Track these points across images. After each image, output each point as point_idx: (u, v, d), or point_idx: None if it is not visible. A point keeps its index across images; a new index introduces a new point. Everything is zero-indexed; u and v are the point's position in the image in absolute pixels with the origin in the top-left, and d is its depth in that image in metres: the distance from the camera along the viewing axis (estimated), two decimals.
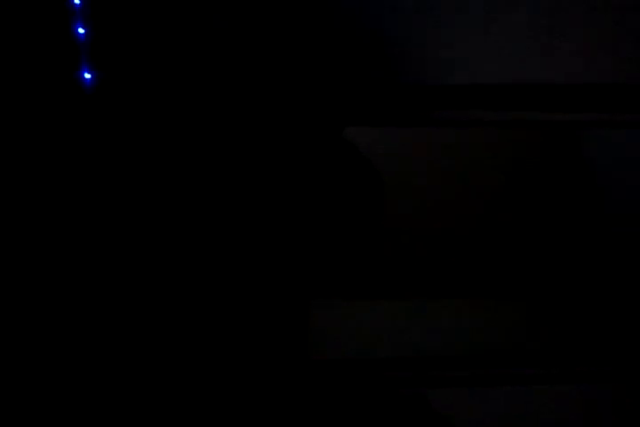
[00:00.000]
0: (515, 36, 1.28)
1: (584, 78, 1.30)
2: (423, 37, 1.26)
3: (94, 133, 1.16)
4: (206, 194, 1.21)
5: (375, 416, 1.27)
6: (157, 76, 1.18)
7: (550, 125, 1.34)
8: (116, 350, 1.21)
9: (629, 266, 1.55)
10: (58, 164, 1.16)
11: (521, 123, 1.34)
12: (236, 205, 1.22)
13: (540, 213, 1.54)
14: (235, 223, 1.22)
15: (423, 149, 1.51)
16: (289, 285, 1.26)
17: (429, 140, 1.50)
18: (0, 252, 1.18)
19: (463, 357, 1.43)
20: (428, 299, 1.52)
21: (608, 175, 1.56)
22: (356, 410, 1.29)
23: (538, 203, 1.54)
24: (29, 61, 1.12)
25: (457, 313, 1.50)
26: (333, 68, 1.22)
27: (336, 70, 1.22)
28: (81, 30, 1.13)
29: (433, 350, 1.46)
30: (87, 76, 1.14)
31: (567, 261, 1.56)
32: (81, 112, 1.15)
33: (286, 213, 1.23)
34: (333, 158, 1.28)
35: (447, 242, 1.52)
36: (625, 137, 1.51)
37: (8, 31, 1.10)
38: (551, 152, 1.55)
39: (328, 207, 1.28)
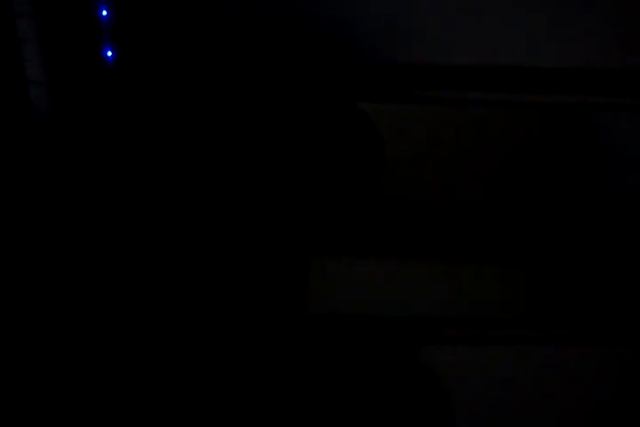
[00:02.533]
0: (510, 20, 1.32)
1: (573, 62, 1.34)
2: (418, 18, 1.32)
3: (114, 105, 1.31)
4: (210, 152, 1.31)
5: (366, 369, 1.34)
6: (173, 55, 1.31)
7: (543, 107, 1.39)
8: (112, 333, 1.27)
9: (630, 237, 1.57)
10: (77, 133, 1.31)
11: (515, 104, 1.39)
12: (238, 162, 1.30)
13: (542, 182, 1.57)
14: (237, 181, 1.31)
15: (438, 128, 1.56)
16: (290, 241, 1.34)
17: (442, 119, 1.55)
18: (0, 251, 1.27)
19: (456, 317, 1.51)
20: (430, 260, 1.57)
21: (607, 149, 1.58)
22: (350, 363, 1.36)
23: (540, 173, 1.57)
24: (58, 41, 1.27)
25: (455, 275, 1.56)
26: (329, 49, 1.31)
27: (332, 52, 1.31)
28: (104, 13, 1.27)
29: (427, 309, 1.54)
30: (109, 53, 1.29)
31: (567, 229, 1.58)
32: (103, 86, 1.30)
33: (287, 171, 1.31)
34: (337, 120, 1.34)
35: (453, 209, 1.57)
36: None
37: (40, 13, 1.25)
38: (552, 126, 1.57)
39: (327, 165, 1.32)
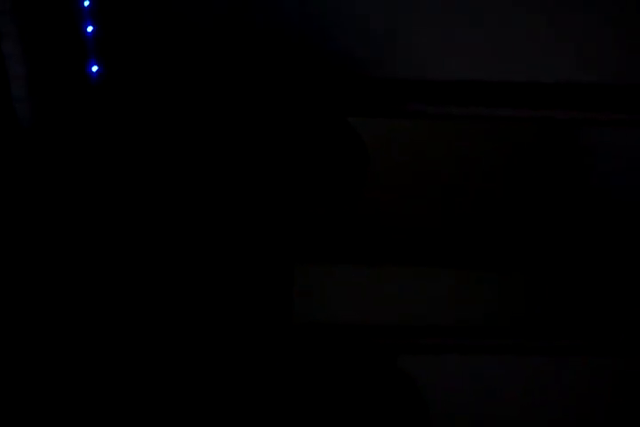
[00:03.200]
0: (504, 36, 1.38)
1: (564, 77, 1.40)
2: (407, 33, 1.36)
3: (99, 120, 1.30)
4: (195, 163, 1.32)
5: (346, 378, 1.35)
6: (159, 70, 1.32)
7: (535, 122, 1.44)
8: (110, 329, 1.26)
9: (627, 245, 1.61)
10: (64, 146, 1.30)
11: (504, 119, 1.43)
12: (223, 172, 1.31)
13: (538, 188, 1.61)
14: (221, 190, 1.31)
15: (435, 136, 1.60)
16: (274, 249, 1.34)
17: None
18: (0, 251, 1.25)
19: (442, 326, 1.52)
20: (417, 267, 1.59)
21: (597, 157, 1.63)
22: (332, 373, 1.37)
23: (536, 179, 1.61)
24: (44, 56, 1.26)
25: (442, 282, 1.58)
26: (321, 63, 1.35)
27: (324, 66, 1.35)
28: (89, 28, 1.28)
29: (413, 318, 1.55)
30: (94, 69, 1.29)
31: (564, 237, 1.62)
32: (88, 101, 1.29)
33: (271, 179, 1.33)
34: (323, 132, 1.36)
35: (447, 214, 1.60)
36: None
37: (24, 29, 1.25)
38: (542, 138, 1.62)
39: (310, 175, 1.34)
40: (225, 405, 1.27)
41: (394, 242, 1.60)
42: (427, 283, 1.58)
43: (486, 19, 1.37)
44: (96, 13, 1.27)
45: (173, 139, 1.32)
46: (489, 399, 1.56)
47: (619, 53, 1.38)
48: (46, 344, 1.24)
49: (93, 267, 1.28)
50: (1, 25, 1.23)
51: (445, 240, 1.61)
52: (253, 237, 1.34)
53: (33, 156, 1.28)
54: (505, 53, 1.37)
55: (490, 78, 1.38)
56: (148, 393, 1.25)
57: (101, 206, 1.30)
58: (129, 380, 1.25)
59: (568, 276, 1.63)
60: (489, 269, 1.61)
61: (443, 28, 1.35)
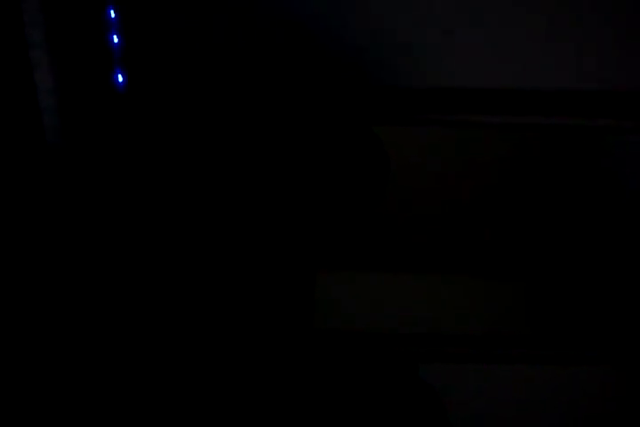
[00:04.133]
0: (510, 42, 1.40)
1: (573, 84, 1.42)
2: (419, 41, 1.39)
3: (125, 129, 1.34)
4: (216, 167, 1.34)
5: (366, 385, 1.36)
6: (181, 79, 1.35)
7: (540, 130, 1.46)
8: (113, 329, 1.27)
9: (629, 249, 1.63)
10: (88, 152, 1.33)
11: (518, 126, 1.45)
12: (243, 178, 1.34)
13: (541, 195, 1.62)
14: (242, 196, 1.34)
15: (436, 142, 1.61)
16: (296, 256, 1.37)
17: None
18: (1, 251, 1.28)
19: (460, 335, 1.54)
20: (436, 275, 1.60)
21: (609, 167, 1.64)
22: (352, 380, 1.38)
23: (539, 185, 1.62)
24: (71, 66, 1.30)
25: (458, 290, 1.59)
26: (329, 70, 1.38)
27: (331, 73, 1.38)
28: (115, 39, 1.31)
29: (434, 326, 1.56)
30: (120, 79, 1.32)
31: (568, 244, 1.63)
32: (113, 109, 1.33)
33: (293, 186, 1.35)
34: (344, 138, 1.39)
35: (453, 221, 1.61)
36: None
37: (52, 40, 1.28)
38: (554, 146, 1.64)
39: (333, 181, 1.35)
40: (241, 410, 1.28)
41: (407, 248, 1.62)
42: (446, 292, 1.60)
43: (503, 31, 1.39)
44: (122, 25, 1.31)
45: (197, 147, 1.35)
46: (502, 408, 1.58)
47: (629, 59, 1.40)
48: (46, 344, 1.25)
49: (107, 269, 1.30)
50: (31, 36, 1.27)
51: (460, 247, 1.63)
52: (275, 242, 1.36)
53: (60, 167, 1.31)
54: (518, 61, 1.39)
55: (503, 86, 1.40)
56: (158, 398, 1.26)
57: (125, 212, 1.33)
58: (132, 385, 1.26)
59: (582, 284, 1.64)
60: (504, 277, 1.62)
61: (456, 36, 1.38)
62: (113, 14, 1.29)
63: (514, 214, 1.62)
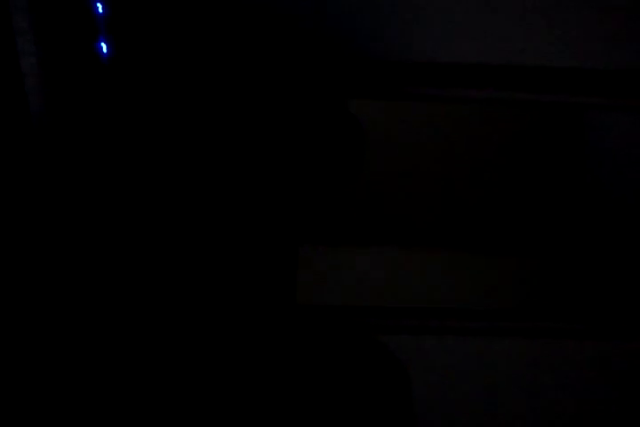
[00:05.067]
0: (501, 18, 1.39)
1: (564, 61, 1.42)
2: (414, 15, 1.38)
3: (109, 100, 1.32)
4: (199, 144, 1.33)
5: (340, 360, 1.35)
6: (168, 51, 1.34)
7: (532, 106, 1.46)
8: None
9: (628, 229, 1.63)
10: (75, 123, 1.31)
11: (510, 102, 1.45)
12: (224, 155, 1.33)
13: (537, 176, 1.63)
14: (222, 173, 1.34)
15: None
16: (278, 231, 1.36)
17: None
18: (1, 251, 1.27)
19: (442, 308, 1.53)
20: (421, 249, 1.61)
21: (597, 145, 1.65)
22: (330, 354, 1.37)
23: (535, 167, 1.62)
24: (54, 35, 1.28)
25: (446, 265, 1.60)
26: (322, 45, 1.37)
27: (325, 48, 1.37)
28: (100, 8, 1.30)
29: (417, 300, 1.56)
30: (104, 48, 1.31)
31: (560, 223, 1.64)
32: (98, 81, 1.31)
33: (272, 161, 1.35)
34: (320, 111, 1.38)
35: (448, 202, 1.61)
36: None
37: (39, 7, 1.27)
38: (546, 123, 1.64)
39: (311, 154, 1.35)
40: (227, 388, 1.27)
41: (395, 225, 1.62)
42: (430, 265, 1.60)
43: (498, 8, 1.39)
44: None
45: (178, 116, 1.34)
46: (494, 381, 1.57)
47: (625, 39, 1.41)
48: (46, 344, 1.25)
49: (96, 262, 1.29)
50: (14, 3, 1.25)
51: (449, 223, 1.62)
52: (255, 218, 1.36)
53: (42, 137, 1.30)
54: (512, 36, 1.39)
55: (495, 61, 1.40)
56: (152, 374, 1.26)
57: (109, 193, 1.31)
58: (130, 366, 1.25)
59: (567, 261, 1.65)
60: (489, 253, 1.63)
61: (448, 11, 1.37)
62: None
63: (505, 189, 1.62)
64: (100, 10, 1.30)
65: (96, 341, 1.25)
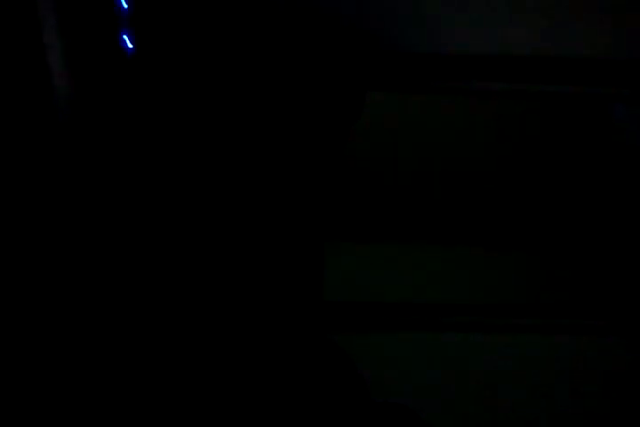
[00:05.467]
0: (518, 8, 1.37)
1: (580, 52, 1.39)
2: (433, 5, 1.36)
3: (132, 95, 1.34)
4: (218, 144, 1.35)
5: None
6: (191, 43, 1.35)
7: (549, 97, 1.44)
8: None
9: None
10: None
11: (531, 94, 1.43)
12: (249, 154, 1.35)
13: (549, 169, 1.61)
14: (248, 172, 1.35)
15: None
16: (305, 227, 1.36)
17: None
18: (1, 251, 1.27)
19: (464, 304, 1.53)
20: (445, 246, 1.61)
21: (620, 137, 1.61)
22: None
23: (541, 152, 1.61)
24: (79, 30, 1.31)
25: (469, 260, 1.59)
26: (342, 36, 1.36)
27: (345, 39, 1.36)
28: (124, 3, 1.32)
29: (443, 296, 1.56)
30: (128, 43, 1.33)
31: (573, 213, 1.62)
32: (122, 73, 1.34)
33: (296, 158, 1.35)
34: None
35: (456, 190, 1.61)
36: None
37: (63, 2, 1.29)
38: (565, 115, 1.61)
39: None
40: (251, 387, 1.27)
41: (399, 219, 1.61)
42: (455, 262, 1.60)
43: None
44: None
45: (199, 112, 1.35)
46: (506, 378, 1.57)
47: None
48: (46, 344, 1.25)
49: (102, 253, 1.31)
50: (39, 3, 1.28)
51: (462, 217, 1.62)
52: (283, 212, 1.36)
53: (68, 131, 1.33)
54: (526, 26, 1.37)
55: (507, 52, 1.38)
56: (163, 374, 1.26)
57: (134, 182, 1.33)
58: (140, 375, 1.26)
59: (570, 255, 1.62)
60: (505, 247, 1.61)
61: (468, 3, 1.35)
62: None
63: (518, 183, 1.60)
64: (125, 5, 1.32)
65: (96, 339, 1.26)
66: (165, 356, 1.27)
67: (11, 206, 1.30)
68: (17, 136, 1.31)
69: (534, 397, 1.55)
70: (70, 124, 1.33)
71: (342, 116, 1.38)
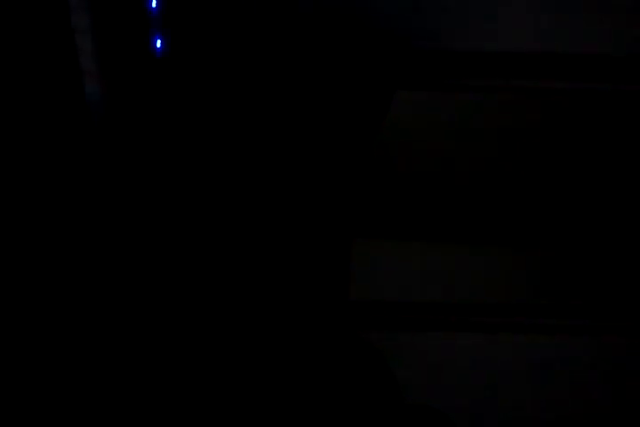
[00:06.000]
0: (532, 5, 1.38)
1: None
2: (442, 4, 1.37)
3: (163, 94, 1.35)
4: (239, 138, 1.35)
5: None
6: (221, 46, 1.36)
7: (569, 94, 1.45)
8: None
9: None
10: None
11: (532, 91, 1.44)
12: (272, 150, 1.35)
13: (560, 168, 1.62)
14: (272, 168, 1.35)
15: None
16: (331, 224, 1.37)
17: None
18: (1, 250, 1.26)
19: (476, 304, 1.54)
20: (473, 246, 1.61)
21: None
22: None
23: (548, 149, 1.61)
24: (109, 30, 1.31)
25: (488, 259, 1.60)
26: (367, 33, 1.37)
27: (370, 36, 1.37)
28: (154, 3, 1.32)
29: (467, 295, 1.57)
30: (158, 43, 1.33)
31: (586, 212, 1.62)
32: (152, 74, 1.34)
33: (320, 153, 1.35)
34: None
35: (468, 189, 1.61)
36: None
37: (92, 4, 1.30)
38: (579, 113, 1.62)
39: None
40: (269, 380, 1.28)
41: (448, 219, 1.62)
42: (474, 260, 1.60)
43: None
44: None
45: (227, 111, 1.36)
46: (512, 377, 1.58)
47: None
48: (46, 344, 1.24)
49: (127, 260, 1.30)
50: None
51: (475, 216, 1.62)
52: (310, 208, 1.37)
53: (100, 132, 1.33)
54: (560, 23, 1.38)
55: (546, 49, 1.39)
56: (185, 364, 1.27)
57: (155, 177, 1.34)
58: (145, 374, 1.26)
59: (596, 253, 1.63)
60: (518, 246, 1.62)
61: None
62: None
63: (530, 182, 1.61)
64: (154, 4, 1.32)
65: (98, 339, 1.25)
66: (179, 357, 1.27)
67: (42, 207, 1.30)
68: (49, 137, 1.32)
69: (537, 397, 1.56)
70: (101, 124, 1.34)
71: (368, 114, 1.39)
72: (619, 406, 1.57)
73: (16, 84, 1.29)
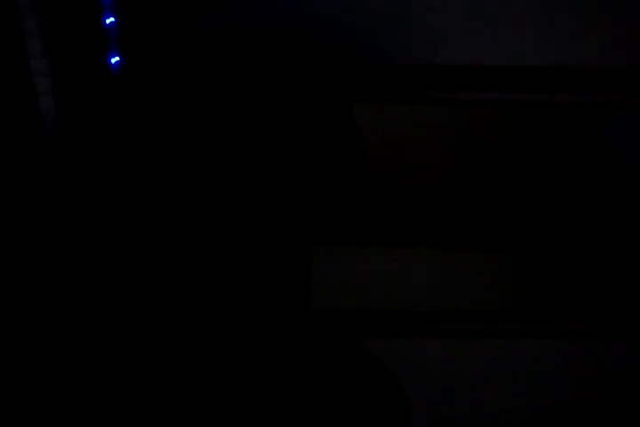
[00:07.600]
0: (511, 20, 1.36)
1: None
2: (419, 17, 1.36)
3: (119, 111, 1.34)
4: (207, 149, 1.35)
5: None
6: (175, 60, 1.35)
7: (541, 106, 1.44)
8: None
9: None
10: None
11: (522, 104, 1.43)
12: (231, 158, 1.35)
13: (544, 176, 1.61)
14: (233, 172, 1.35)
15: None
16: (291, 234, 1.38)
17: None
18: (1, 250, 1.28)
19: (454, 312, 1.54)
20: (431, 250, 1.60)
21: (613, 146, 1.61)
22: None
23: (543, 167, 1.60)
24: (65, 48, 1.30)
25: (456, 265, 1.59)
26: (329, 51, 1.36)
27: (332, 53, 1.36)
28: (109, 20, 1.30)
29: (427, 302, 1.57)
30: (114, 60, 1.32)
31: (570, 218, 1.62)
32: (108, 91, 1.33)
33: (279, 160, 1.35)
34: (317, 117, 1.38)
35: (454, 202, 1.60)
36: None
37: (47, 20, 1.28)
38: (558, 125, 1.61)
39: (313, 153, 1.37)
40: (241, 394, 1.29)
41: (408, 223, 1.61)
42: (442, 267, 1.60)
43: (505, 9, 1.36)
44: (115, 5, 1.29)
45: (187, 132, 1.35)
46: (506, 382, 1.59)
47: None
48: (46, 344, 1.26)
49: (105, 264, 1.31)
50: (25, 19, 1.26)
51: (460, 221, 1.61)
52: (266, 222, 1.37)
53: (56, 149, 1.32)
54: (514, 37, 1.37)
55: (499, 63, 1.38)
56: (153, 376, 1.28)
57: (121, 199, 1.34)
58: (138, 375, 1.28)
59: (584, 257, 1.63)
60: (503, 251, 1.61)
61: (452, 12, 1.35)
62: None
63: (515, 189, 1.60)
64: (109, 22, 1.31)
65: (98, 341, 1.27)
66: (163, 357, 1.29)
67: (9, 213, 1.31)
68: (5, 152, 1.31)
69: (536, 400, 1.57)
70: (57, 139, 1.33)
71: (327, 124, 1.39)
72: (615, 407, 1.59)
73: None
